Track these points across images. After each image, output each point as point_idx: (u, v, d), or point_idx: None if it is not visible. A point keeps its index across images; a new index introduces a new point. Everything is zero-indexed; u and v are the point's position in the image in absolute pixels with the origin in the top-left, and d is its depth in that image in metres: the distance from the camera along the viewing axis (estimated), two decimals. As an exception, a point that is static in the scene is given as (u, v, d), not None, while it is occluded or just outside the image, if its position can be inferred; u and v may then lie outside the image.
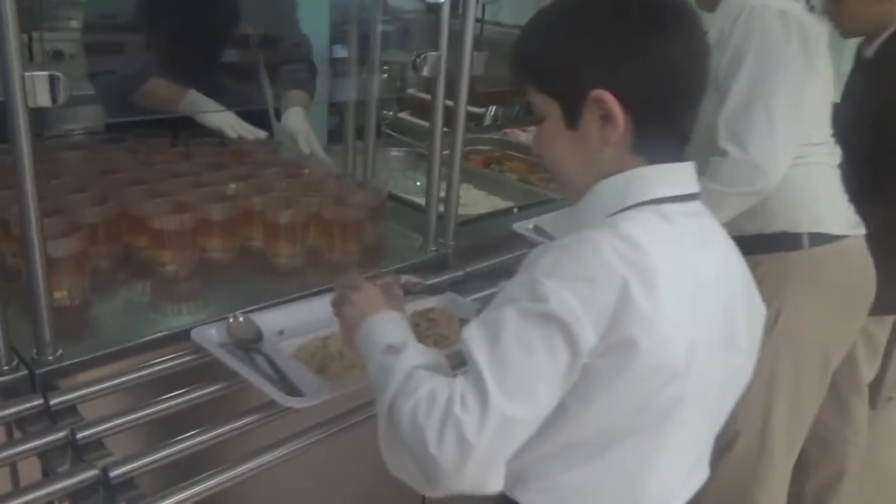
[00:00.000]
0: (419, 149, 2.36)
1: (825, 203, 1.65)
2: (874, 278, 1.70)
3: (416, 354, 0.89)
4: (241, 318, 1.28)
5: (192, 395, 1.19)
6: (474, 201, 2.10)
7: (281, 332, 1.30)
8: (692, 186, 0.92)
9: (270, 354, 1.23)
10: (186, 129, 1.97)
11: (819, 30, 1.58)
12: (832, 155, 1.68)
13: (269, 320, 1.30)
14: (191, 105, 1.96)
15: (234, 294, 1.43)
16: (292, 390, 1.14)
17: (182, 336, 1.29)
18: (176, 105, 1.96)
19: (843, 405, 2.04)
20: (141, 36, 2.04)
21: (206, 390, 1.20)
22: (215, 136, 1.97)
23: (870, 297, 1.72)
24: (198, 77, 2.00)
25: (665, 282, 0.82)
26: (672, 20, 0.88)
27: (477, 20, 3.20)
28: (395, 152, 2.39)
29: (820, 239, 1.63)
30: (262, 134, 2.02)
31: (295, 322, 1.32)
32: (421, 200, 1.68)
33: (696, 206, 0.93)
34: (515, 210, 1.95)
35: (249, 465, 1.12)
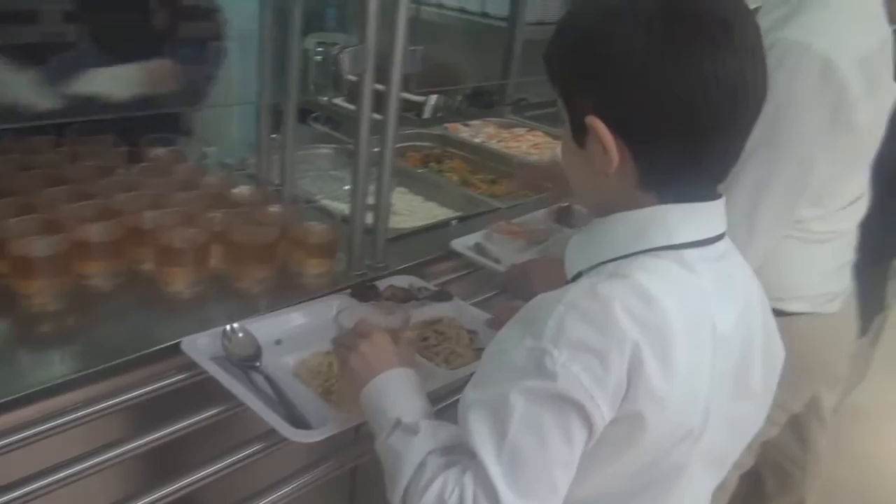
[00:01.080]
0: (351, 146, 2.11)
1: (790, 279, 1.38)
2: (833, 354, 1.47)
3: (428, 437, 0.81)
4: (239, 334, 1.16)
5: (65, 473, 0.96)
6: (410, 209, 1.89)
7: (278, 342, 1.20)
8: (719, 227, 0.83)
9: (270, 373, 1.11)
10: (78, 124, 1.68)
11: (870, 81, 1.17)
12: (836, 222, 1.33)
13: (265, 328, 1.19)
14: None
15: (119, 332, 1.20)
16: (297, 419, 1.03)
17: (52, 391, 1.05)
18: None
19: (803, 434, 1.90)
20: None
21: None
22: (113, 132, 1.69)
23: (816, 375, 1.47)
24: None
25: (681, 343, 0.75)
26: (690, 38, 0.73)
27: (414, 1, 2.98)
28: (323, 150, 2.15)
29: None
30: None
31: (294, 331, 1.23)
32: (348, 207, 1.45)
33: (720, 247, 0.83)
34: (454, 222, 1.73)
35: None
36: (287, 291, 1.35)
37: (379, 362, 0.93)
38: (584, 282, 0.79)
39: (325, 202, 1.82)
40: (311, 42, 3.31)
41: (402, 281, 1.39)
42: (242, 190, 1.53)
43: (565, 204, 1.78)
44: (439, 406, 1.04)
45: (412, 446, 0.81)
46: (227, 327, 1.15)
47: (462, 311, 1.33)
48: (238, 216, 1.38)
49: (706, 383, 0.79)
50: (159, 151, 1.68)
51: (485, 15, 2.95)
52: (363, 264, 1.43)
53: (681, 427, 0.78)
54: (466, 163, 2.25)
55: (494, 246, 1.54)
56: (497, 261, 1.50)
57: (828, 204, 1.28)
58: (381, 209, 1.43)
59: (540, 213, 1.75)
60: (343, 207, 1.69)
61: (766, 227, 1.22)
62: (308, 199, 1.77)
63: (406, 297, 1.33)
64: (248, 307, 1.29)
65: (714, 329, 0.79)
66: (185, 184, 1.52)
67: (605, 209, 0.82)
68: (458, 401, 0.79)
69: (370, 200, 1.42)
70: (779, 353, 0.92)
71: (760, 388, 0.88)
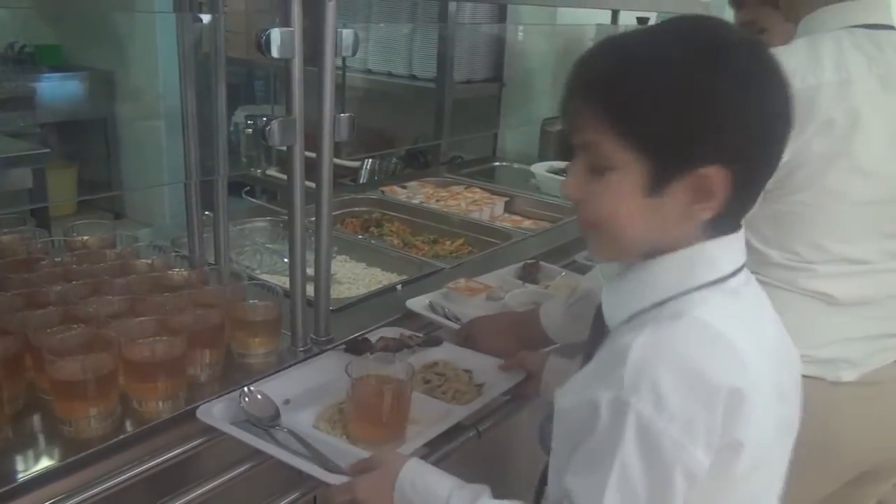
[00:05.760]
0: (286, 217, 2.08)
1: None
2: (845, 430, 1.24)
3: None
4: (258, 396, 1.17)
5: None
6: (353, 276, 1.85)
7: (287, 402, 1.21)
8: (744, 254, 0.86)
9: (293, 428, 1.12)
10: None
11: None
12: (832, 284, 1.22)
13: (273, 389, 1.20)
14: None
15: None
16: (331, 466, 1.05)
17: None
18: None
19: None
20: None
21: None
22: None
23: (825, 454, 1.23)
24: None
25: (754, 368, 0.77)
26: (748, 70, 0.77)
27: (340, 68, 2.99)
28: (259, 223, 2.11)
29: None
30: None
31: (301, 389, 1.24)
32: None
33: (746, 272, 0.86)
34: (400, 287, 1.70)
35: None
36: (235, 374, 1.29)
37: (384, 491, 0.94)
38: (647, 328, 0.78)
39: (265, 277, 1.77)
40: (240, 115, 3.31)
41: (392, 332, 1.42)
42: (178, 272, 1.46)
43: (531, 260, 1.76)
44: (461, 439, 1.18)
45: None
46: (245, 389, 1.17)
47: (453, 353, 1.38)
48: (176, 300, 1.32)
49: (773, 397, 0.82)
50: (89, 238, 1.61)
51: (412, 77, 2.98)
52: (308, 339, 1.39)
53: (761, 444, 0.80)
54: (407, 225, 2.25)
55: (452, 304, 1.52)
56: (457, 319, 1.47)
57: (828, 247, 1.20)
58: (321, 279, 1.39)
59: (504, 271, 1.73)
60: (283, 281, 1.65)
61: None
62: (246, 275, 1.72)
63: (398, 346, 1.36)
64: (200, 393, 1.23)
65: (766, 343, 0.83)
66: (118, 269, 1.45)
67: (652, 254, 0.83)
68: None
69: (310, 272, 1.39)
70: (794, 352, 0.92)
71: (791, 388, 0.90)
